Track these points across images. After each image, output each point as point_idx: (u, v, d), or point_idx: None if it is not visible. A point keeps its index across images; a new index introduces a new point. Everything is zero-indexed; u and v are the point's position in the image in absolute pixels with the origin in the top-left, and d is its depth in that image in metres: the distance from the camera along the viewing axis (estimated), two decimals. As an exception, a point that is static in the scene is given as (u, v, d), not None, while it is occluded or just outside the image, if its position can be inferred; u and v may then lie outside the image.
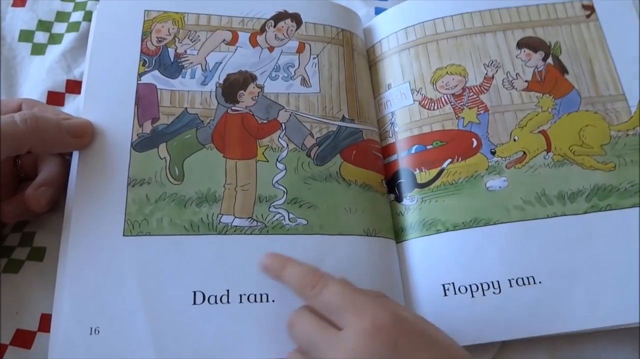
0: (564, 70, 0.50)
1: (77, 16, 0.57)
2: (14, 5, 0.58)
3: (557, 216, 0.44)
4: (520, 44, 0.51)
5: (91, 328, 0.39)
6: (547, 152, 0.47)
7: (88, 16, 0.56)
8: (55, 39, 0.56)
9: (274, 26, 0.52)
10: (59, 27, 0.57)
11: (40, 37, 0.56)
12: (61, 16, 0.57)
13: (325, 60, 0.52)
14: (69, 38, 0.55)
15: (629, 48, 0.50)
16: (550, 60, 0.50)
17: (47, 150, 0.44)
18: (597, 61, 0.50)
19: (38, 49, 0.55)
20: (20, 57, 0.55)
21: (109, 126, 0.46)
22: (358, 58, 0.53)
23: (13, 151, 0.41)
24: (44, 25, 0.57)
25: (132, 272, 0.41)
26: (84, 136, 0.44)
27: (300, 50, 0.52)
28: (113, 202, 0.43)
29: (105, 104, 0.46)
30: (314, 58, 0.52)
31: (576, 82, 0.49)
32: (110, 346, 0.39)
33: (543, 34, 0.51)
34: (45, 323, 0.42)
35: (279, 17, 0.52)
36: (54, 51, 0.55)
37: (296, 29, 0.52)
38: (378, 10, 0.60)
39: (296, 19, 0.52)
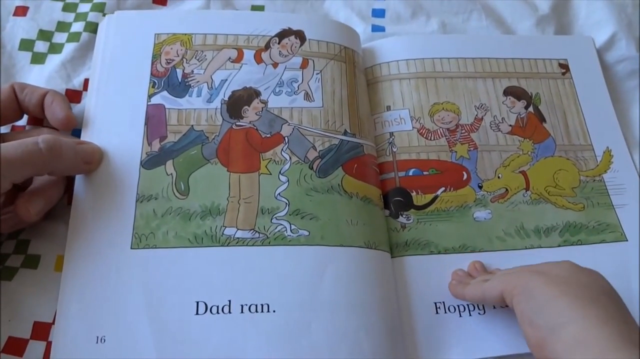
0: (542, 119, 0.56)
1: (77, 26, 0.56)
2: (15, 14, 0.57)
3: (534, 248, 0.49)
4: (506, 92, 0.56)
5: (97, 337, 0.40)
6: (526, 191, 0.52)
7: (89, 27, 0.56)
8: (55, 48, 0.56)
9: (279, 43, 0.53)
10: (60, 37, 0.56)
11: (41, 46, 0.56)
12: (62, 26, 0.57)
13: (328, 76, 0.53)
14: (69, 48, 0.55)
15: (596, 105, 0.57)
16: (531, 109, 0.56)
17: (62, 174, 0.45)
18: (570, 113, 0.56)
19: (38, 58, 0.55)
20: (19, 65, 0.55)
21: (120, 146, 0.47)
22: (359, 75, 0.55)
23: (34, 174, 0.42)
24: (45, 35, 0.56)
25: (137, 283, 0.42)
26: (93, 162, 0.45)
27: (304, 65, 0.53)
28: (122, 217, 0.44)
29: (117, 127, 0.48)
30: (317, 74, 0.52)
31: (552, 131, 0.55)
32: (115, 355, 0.39)
33: (526, 85, 0.57)
34: (38, 330, 0.42)
35: (283, 34, 0.53)
36: (54, 60, 0.55)
37: (300, 46, 0.53)
38: (375, 28, 0.61)
39: (300, 35, 0.54)
